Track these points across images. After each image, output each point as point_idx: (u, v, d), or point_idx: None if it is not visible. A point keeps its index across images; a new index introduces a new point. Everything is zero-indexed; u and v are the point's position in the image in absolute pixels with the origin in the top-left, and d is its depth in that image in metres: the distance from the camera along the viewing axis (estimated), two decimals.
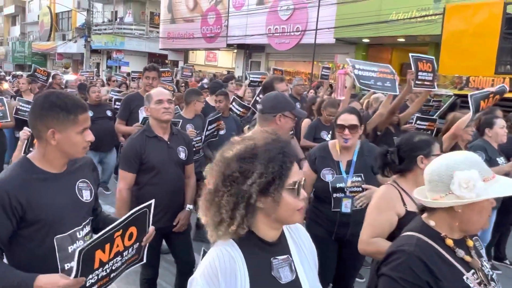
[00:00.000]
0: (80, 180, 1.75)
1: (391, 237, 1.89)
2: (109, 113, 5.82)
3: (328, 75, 8.38)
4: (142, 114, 3.95)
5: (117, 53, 26.01)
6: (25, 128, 3.12)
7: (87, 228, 1.77)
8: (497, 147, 3.56)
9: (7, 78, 16.25)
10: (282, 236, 1.24)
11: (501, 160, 3.45)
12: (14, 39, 43.13)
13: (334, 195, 2.47)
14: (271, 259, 1.18)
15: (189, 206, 2.94)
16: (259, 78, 6.21)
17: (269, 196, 1.10)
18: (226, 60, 24.65)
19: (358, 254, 2.84)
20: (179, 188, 2.86)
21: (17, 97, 6.26)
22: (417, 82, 3.61)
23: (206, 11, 20.38)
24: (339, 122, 2.52)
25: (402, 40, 13.97)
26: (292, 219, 1.18)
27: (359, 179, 2.50)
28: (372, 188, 2.47)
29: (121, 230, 1.55)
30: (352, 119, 2.52)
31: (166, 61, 28.62)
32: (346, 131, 2.47)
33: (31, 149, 3.08)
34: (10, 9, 44.49)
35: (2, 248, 1.56)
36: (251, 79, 6.34)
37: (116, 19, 28.71)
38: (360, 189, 2.48)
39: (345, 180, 2.49)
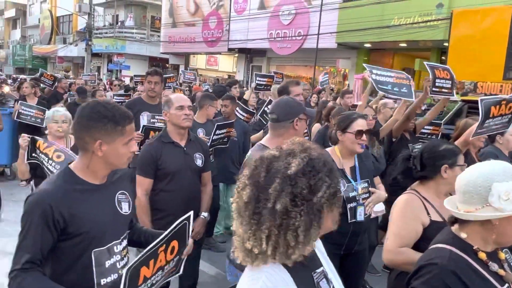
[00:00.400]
0: (120, 191, 1.69)
1: (415, 247, 1.84)
2: None
3: (327, 81, 8.32)
4: (143, 120, 3.88)
5: (118, 56, 25.98)
6: (24, 135, 3.08)
7: (124, 242, 1.70)
8: (508, 154, 3.50)
9: (8, 81, 16.22)
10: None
11: None
12: (15, 42, 43.14)
13: (349, 205, 2.36)
14: (312, 273, 1.13)
15: (204, 214, 2.89)
16: (265, 81, 6.20)
17: (334, 207, 1.07)
18: (227, 64, 24.63)
19: (363, 262, 2.79)
20: (194, 195, 2.80)
21: (20, 101, 6.20)
22: (434, 89, 3.55)
23: (207, 15, 20.37)
24: (357, 128, 2.42)
25: (404, 45, 13.94)
26: (333, 227, 1.14)
27: (366, 184, 2.45)
28: (377, 191, 2.43)
29: (164, 245, 1.53)
30: (365, 124, 2.48)
31: (167, 65, 28.60)
32: (365, 137, 2.41)
33: (33, 154, 3.05)
34: (10, 13, 44.49)
35: (41, 263, 1.48)
36: (257, 82, 6.32)
37: (117, 23, 28.70)
38: (368, 195, 2.43)
39: (356, 188, 2.41)
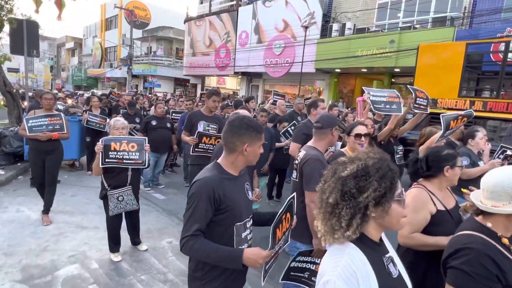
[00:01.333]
0: (246, 182, 1.73)
1: (424, 231, 1.79)
2: (168, 124, 5.79)
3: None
4: (200, 127, 3.81)
5: (152, 77, 25.83)
6: (98, 143, 3.10)
7: (251, 221, 1.72)
8: (476, 153, 3.39)
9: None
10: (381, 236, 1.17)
11: (481, 163, 3.33)
12: (73, 66, 42.74)
13: None
14: (382, 257, 1.09)
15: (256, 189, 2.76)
16: (279, 98, 6.29)
17: (381, 207, 1.02)
18: (232, 84, 24.61)
19: None
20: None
21: (88, 112, 6.25)
22: (415, 105, 3.53)
23: (219, 47, 20.28)
24: (356, 132, 2.45)
25: (364, 70, 13.96)
26: (398, 226, 1.09)
27: None
28: None
29: (284, 214, 1.55)
30: (364, 129, 2.49)
31: (187, 84, 28.54)
32: (363, 138, 2.43)
33: (107, 160, 3.11)
34: (70, 44, 44.09)
35: (204, 231, 1.51)
36: (274, 98, 6.41)
37: (150, 53, 28.50)
38: None
39: None
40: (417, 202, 1.79)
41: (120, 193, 3.25)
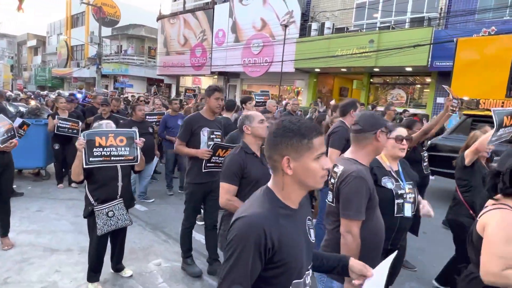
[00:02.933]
0: (307, 217, 1.20)
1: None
2: (150, 129, 5.05)
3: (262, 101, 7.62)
4: (204, 135, 3.07)
5: (123, 77, 24.64)
6: (80, 138, 2.55)
7: (310, 273, 1.19)
8: None
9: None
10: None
11: None
12: (36, 66, 40.18)
13: (396, 201, 1.93)
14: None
15: None
16: (262, 98, 5.72)
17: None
18: (208, 83, 23.90)
19: (403, 257, 2.34)
20: None
21: (56, 116, 5.40)
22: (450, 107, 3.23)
23: (194, 46, 19.60)
24: (397, 134, 2.02)
25: (344, 70, 13.88)
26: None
27: (411, 186, 2.01)
28: (421, 200, 2.04)
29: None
30: (405, 132, 2.09)
31: (161, 84, 27.54)
32: (404, 142, 2.02)
33: (91, 159, 2.55)
34: (32, 42, 41.46)
35: None
36: (256, 99, 5.80)
37: (121, 51, 27.21)
38: (414, 195, 1.99)
39: (403, 187, 1.97)
40: (509, 230, 1.40)
41: (110, 207, 2.72)
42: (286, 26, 13.61)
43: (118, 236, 2.99)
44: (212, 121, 3.20)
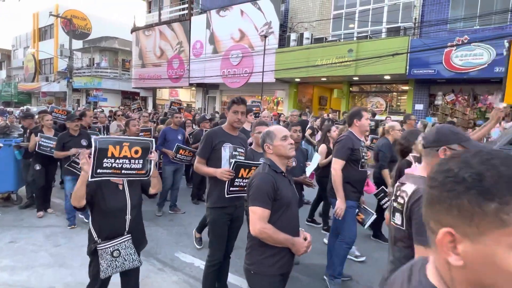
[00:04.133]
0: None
1: None
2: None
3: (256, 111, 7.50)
4: (225, 152, 2.72)
5: (96, 91, 23.71)
6: (83, 150, 2.20)
7: None
8: None
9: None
10: None
11: None
12: (1, 81, 38.01)
13: None
14: None
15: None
16: (254, 109, 5.45)
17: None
18: (185, 95, 23.52)
19: None
20: (297, 223, 2.02)
21: (39, 133, 4.80)
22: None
23: (171, 58, 19.18)
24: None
25: (324, 79, 13.98)
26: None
27: None
28: None
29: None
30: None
31: (136, 97, 26.72)
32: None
33: (99, 170, 2.09)
34: None
35: None
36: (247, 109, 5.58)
37: (93, 64, 26.25)
38: None
39: None
40: None
41: (116, 245, 2.26)
42: (265, 36, 13.59)
43: (129, 280, 2.43)
44: (235, 137, 2.84)
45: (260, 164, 2.60)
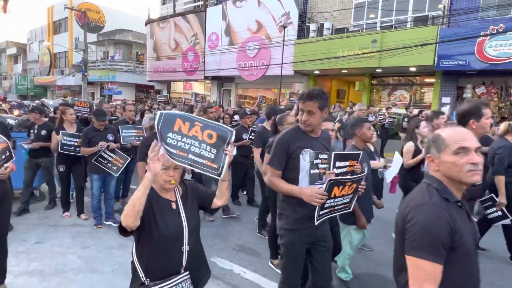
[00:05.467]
0: None
1: None
2: None
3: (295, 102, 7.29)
4: (305, 160, 2.07)
5: (111, 84, 23.65)
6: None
7: None
8: None
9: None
10: None
11: None
12: (17, 74, 38.45)
13: None
14: None
15: None
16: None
17: None
18: (199, 89, 23.22)
19: None
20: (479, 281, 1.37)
21: (61, 131, 4.42)
22: None
23: (186, 50, 18.87)
24: None
25: (345, 71, 13.47)
26: None
27: None
28: None
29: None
30: None
31: (150, 90, 26.70)
32: None
33: (168, 141, 1.58)
34: (12, 50, 39.70)
35: None
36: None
37: (107, 58, 26.18)
38: None
39: None
40: None
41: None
42: (284, 27, 13.12)
43: None
44: (315, 139, 2.15)
45: (360, 176, 2.11)
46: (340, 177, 2.01)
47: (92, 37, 26.29)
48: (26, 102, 19.12)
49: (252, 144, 4.97)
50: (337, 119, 7.40)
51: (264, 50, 15.17)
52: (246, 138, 5.11)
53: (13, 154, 2.72)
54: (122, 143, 4.57)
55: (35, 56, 35.63)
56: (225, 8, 16.71)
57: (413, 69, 11.85)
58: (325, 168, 2.10)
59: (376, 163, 3.20)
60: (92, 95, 27.75)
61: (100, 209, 4.40)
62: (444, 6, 11.24)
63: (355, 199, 2.21)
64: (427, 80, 12.86)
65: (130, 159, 4.42)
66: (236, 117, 7.32)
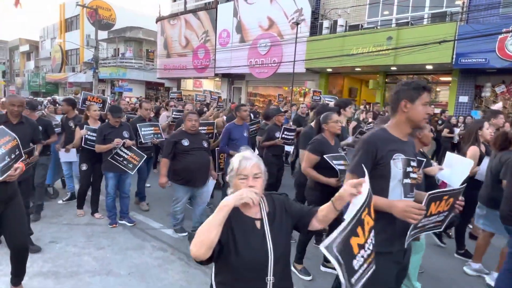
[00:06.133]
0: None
1: None
2: (205, 144, 3.87)
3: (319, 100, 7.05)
4: (397, 167, 1.73)
5: (122, 81, 23.70)
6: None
7: None
8: None
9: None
10: None
11: None
12: (29, 71, 38.88)
13: None
14: None
15: None
16: (332, 101, 5.10)
17: None
18: (209, 86, 23.15)
19: None
20: None
21: (85, 125, 4.38)
22: None
23: (197, 47, 18.75)
24: None
25: (359, 69, 13.18)
26: None
27: None
28: None
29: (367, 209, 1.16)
30: None
31: (160, 88, 26.76)
32: None
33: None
34: (25, 48, 40.15)
35: None
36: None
37: (118, 55, 26.25)
38: None
39: None
40: None
41: None
42: (297, 24, 12.88)
43: None
44: (406, 143, 1.82)
45: (459, 188, 1.73)
46: (438, 190, 1.65)
47: (103, 34, 26.40)
48: (48, 99, 19.06)
49: (285, 143, 4.78)
50: (354, 117, 7.20)
51: (276, 47, 14.95)
52: (278, 137, 4.72)
53: (22, 152, 2.52)
54: (142, 141, 4.57)
55: (47, 53, 35.97)
56: (236, 5, 16.53)
57: (429, 67, 11.52)
58: (415, 179, 1.80)
59: (434, 169, 2.93)
60: (103, 92, 27.89)
61: (115, 208, 4.28)
62: (464, 2, 10.88)
63: (449, 217, 1.80)
64: (442, 78, 12.52)
65: (145, 156, 4.30)
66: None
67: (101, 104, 5.14)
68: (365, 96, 15.94)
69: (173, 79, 22.20)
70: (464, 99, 11.27)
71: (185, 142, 3.73)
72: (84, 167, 4.44)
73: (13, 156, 2.40)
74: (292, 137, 4.90)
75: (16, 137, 2.47)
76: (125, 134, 4.21)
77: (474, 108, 11.28)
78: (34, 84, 35.54)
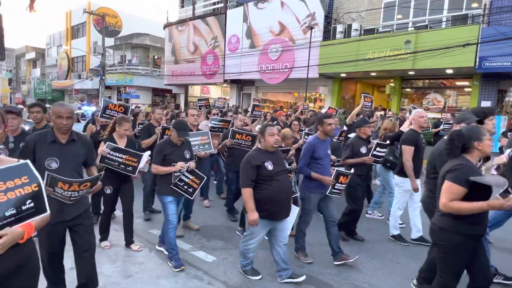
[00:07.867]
0: None
1: None
2: (286, 164, 3.34)
3: (370, 106, 6.56)
4: None
5: (129, 88, 23.45)
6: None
7: None
8: None
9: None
10: None
11: None
12: (35, 78, 38.83)
13: None
14: None
15: None
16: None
17: None
18: (217, 92, 22.87)
19: None
20: None
21: (108, 142, 3.51)
22: None
23: (205, 53, 18.46)
24: None
25: (374, 74, 12.79)
26: None
27: None
28: None
29: None
30: None
31: (166, 94, 26.57)
32: None
33: None
34: (31, 55, 40.19)
35: None
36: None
37: (124, 61, 26.05)
38: None
39: None
40: None
41: None
42: (311, 28, 12.55)
43: None
44: None
45: None
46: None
47: (109, 41, 26.25)
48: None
49: (376, 162, 3.99)
50: (378, 125, 6.78)
51: (287, 52, 14.62)
52: (365, 153, 3.92)
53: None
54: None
55: (53, 60, 35.90)
56: (246, 10, 16.24)
57: (450, 71, 11.11)
58: None
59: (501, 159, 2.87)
60: (109, 99, 27.70)
61: (176, 246, 3.41)
62: (485, 4, 10.50)
63: None
64: (460, 83, 12.10)
65: (206, 178, 3.64)
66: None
67: (122, 113, 4.63)
68: (378, 102, 15.54)
69: (180, 86, 21.91)
70: (487, 103, 10.83)
71: (269, 166, 2.97)
72: (108, 190, 3.68)
73: (21, 209, 1.39)
74: (383, 154, 4.10)
75: (41, 181, 1.48)
76: (187, 154, 3.51)
77: (496, 113, 10.84)
78: (40, 91, 35.42)
